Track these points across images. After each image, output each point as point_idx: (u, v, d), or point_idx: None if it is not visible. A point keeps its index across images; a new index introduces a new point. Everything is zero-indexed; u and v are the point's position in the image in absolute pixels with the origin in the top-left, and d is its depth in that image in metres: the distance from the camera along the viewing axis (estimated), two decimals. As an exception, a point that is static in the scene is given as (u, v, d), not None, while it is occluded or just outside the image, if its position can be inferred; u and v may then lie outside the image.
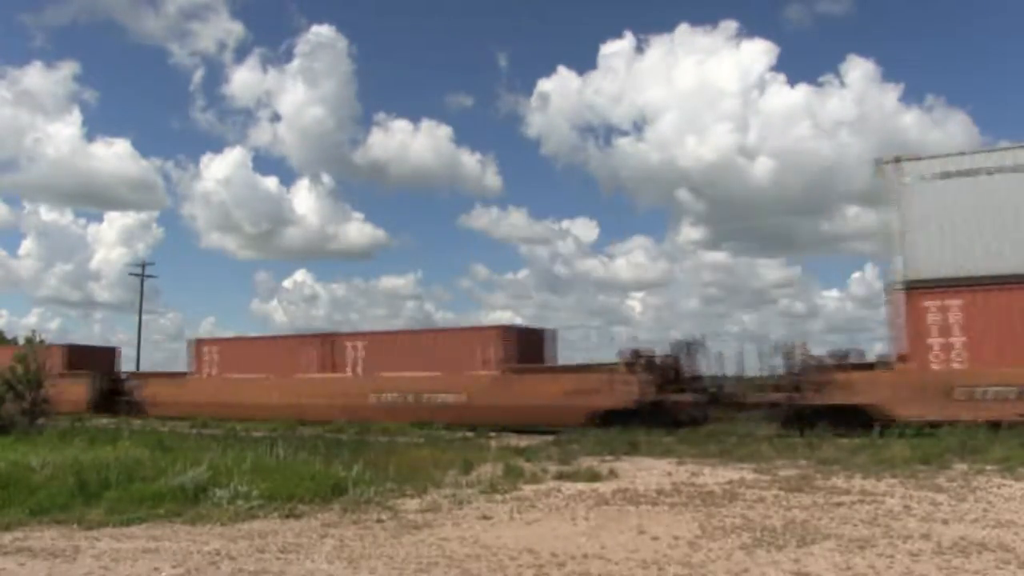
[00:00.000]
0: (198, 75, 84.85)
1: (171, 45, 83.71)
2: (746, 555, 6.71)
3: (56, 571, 6.57)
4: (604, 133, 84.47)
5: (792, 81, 78.02)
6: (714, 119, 60.96)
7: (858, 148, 58.67)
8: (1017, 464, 12.16)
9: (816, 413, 17.67)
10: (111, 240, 77.71)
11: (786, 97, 61.80)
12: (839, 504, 9.14)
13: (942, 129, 64.29)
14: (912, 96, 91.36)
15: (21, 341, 26.49)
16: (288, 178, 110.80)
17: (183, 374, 29.73)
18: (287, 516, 8.65)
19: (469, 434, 20.01)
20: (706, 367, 19.86)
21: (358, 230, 78.24)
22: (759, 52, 71.10)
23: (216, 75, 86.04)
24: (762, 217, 69.43)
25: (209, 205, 71.70)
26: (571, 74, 77.42)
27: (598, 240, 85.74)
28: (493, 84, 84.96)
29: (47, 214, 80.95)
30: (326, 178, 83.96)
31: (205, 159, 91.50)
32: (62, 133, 74.49)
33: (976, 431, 15.00)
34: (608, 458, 14.04)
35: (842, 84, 62.66)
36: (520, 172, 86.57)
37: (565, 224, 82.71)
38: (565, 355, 26.41)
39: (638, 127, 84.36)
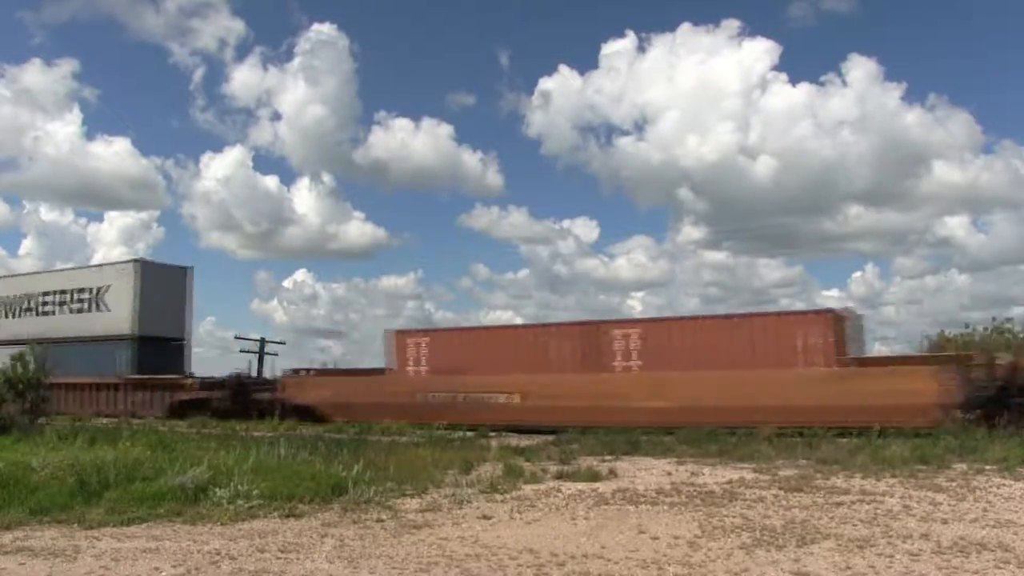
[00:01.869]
0: (198, 74, 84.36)
1: (171, 43, 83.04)
2: (746, 555, 6.72)
3: (56, 571, 6.57)
4: (605, 132, 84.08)
5: (794, 80, 77.45)
6: (715, 118, 60.73)
7: (860, 148, 58.52)
8: (1016, 464, 12.18)
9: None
10: (111, 239, 77.44)
11: (788, 96, 61.47)
12: (839, 504, 9.15)
13: (945, 128, 64.15)
14: (914, 95, 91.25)
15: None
16: (288, 177, 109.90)
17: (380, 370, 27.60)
18: (287, 516, 8.65)
19: (469, 434, 20.05)
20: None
21: (359, 229, 77.98)
22: (761, 51, 70.61)
23: (216, 74, 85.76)
24: (763, 217, 69.22)
25: (209, 204, 71.42)
26: (572, 73, 76.82)
27: (599, 240, 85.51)
28: (494, 83, 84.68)
29: (47, 213, 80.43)
30: (327, 177, 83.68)
31: (205, 158, 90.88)
32: (62, 132, 74.19)
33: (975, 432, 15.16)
34: (608, 458, 14.05)
35: (844, 83, 62.40)
36: (521, 171, 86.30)
37: (566, 224, 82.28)
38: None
39: (639, 126, 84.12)
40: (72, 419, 22.56)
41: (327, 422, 23.21)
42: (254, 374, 30.82)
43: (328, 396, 24.95)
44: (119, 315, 31.73)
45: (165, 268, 32.62)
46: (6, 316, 36.21)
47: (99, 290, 32.26)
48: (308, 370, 28.11)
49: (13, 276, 38.46)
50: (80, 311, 33.28)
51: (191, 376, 29.87)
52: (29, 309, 35.41)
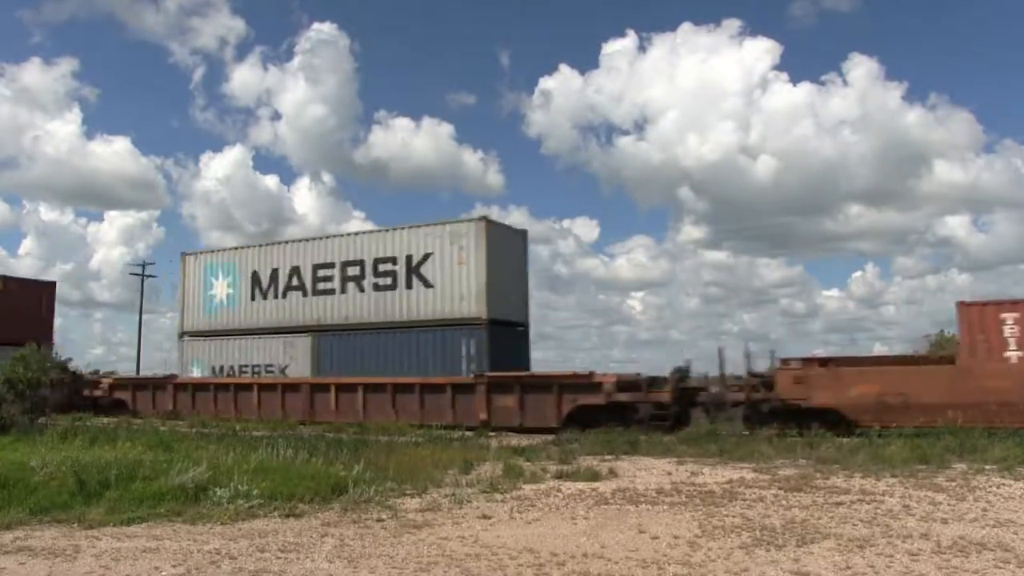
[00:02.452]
0: (198, 73, 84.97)
1: (171, 42, 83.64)
2: (746, 554, 6.73)
3: (56, 570, 6.58)
4: (606, 132, 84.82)
5: (795, 80, 78.08)
6: (716, 118, 61.06)
7: (860, 147, 58.70)
8: (1016, 464, 12.19)
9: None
10: (111, 239, 77.75)
11: (788, 96, 61.97)
12: (838, 504, 9.16)
13: (945, 128, 64.27)
14: (915, 95, 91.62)
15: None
16: (289, 177, 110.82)
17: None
18: (287, 515, 8.66)
19: (468, 433, 20.04)
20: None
21: (358, 229, 78.02)
22: (762, 51, 71.54)
23: (216, 73, 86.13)
24: (763, 216, 69.59)
25: (209, 204, 71.81)
26: (573, 73, 77.59)
27: (599, 239, 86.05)
28: (495, 82, 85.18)
29: (47, 213, 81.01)
30: (327, 177, 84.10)
31: (205, 158, 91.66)
32: (61, 131, 74.39)
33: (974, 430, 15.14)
34: (608, 457, 14.06)
35: (845, 83, 62.68)
36: (521, 171, 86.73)
37: (566, 223, 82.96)
38: (568, 355, 25.73)
39: (639, 126, 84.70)
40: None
41: (858, 427, 17.77)
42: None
43: (871, 393, 18.32)
44: (454, 292, 23.61)
45: (507, 231, 24.61)
46: (271, 295, 27.65)
47: (412, 259, 24.46)
48: (805, 360, 19.88)
49: (273, 244, 28.85)
50: (385, 287, 24.93)
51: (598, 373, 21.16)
52: (296, 287, 26.98)
